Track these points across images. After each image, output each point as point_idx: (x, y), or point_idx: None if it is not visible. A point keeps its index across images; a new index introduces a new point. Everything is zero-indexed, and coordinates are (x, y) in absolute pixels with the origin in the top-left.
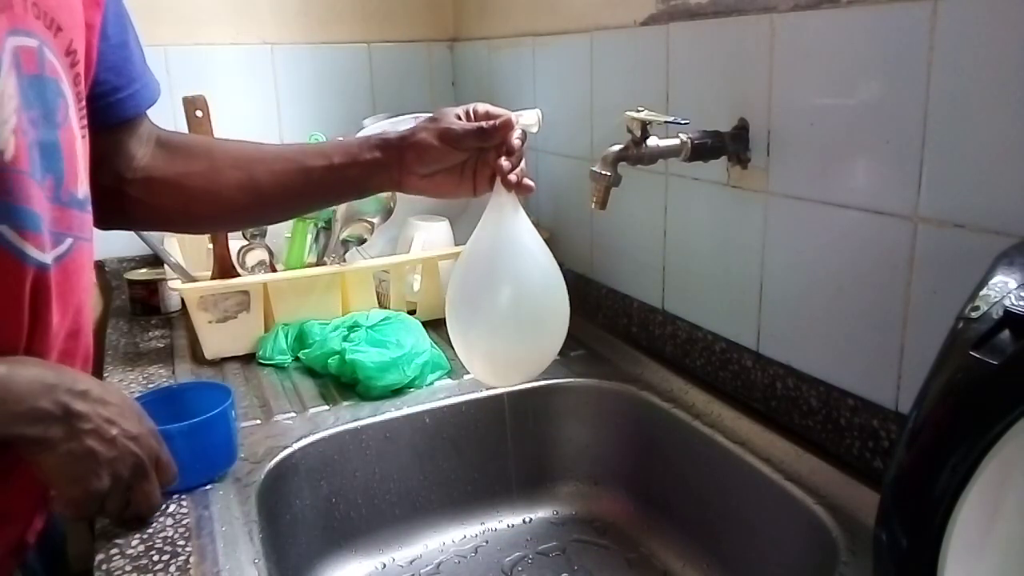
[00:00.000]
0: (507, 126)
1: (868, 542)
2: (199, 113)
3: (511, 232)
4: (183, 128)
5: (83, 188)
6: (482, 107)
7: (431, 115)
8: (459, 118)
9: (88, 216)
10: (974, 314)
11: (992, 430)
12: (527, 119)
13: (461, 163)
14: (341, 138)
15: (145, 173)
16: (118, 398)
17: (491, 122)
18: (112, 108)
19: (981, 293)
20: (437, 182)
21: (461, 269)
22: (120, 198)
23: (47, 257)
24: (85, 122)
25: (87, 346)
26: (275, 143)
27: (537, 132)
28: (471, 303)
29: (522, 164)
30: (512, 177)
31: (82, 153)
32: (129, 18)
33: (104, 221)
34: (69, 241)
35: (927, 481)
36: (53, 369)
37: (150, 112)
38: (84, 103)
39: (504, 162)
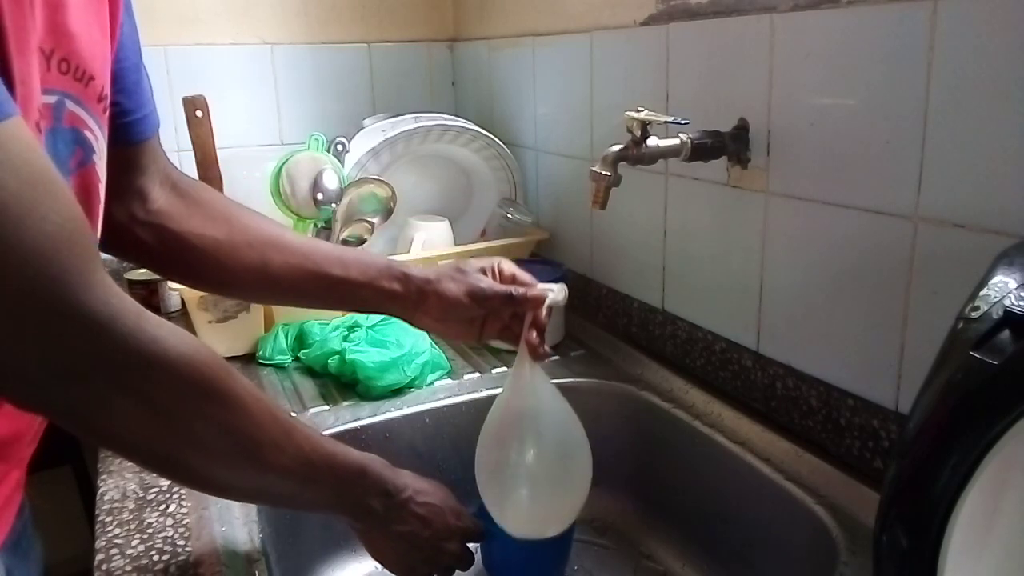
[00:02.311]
0: (538, 301)
1: (868, 542)
2: (199, 113)
3: (536, 395)
4: (183, 129)
5: (99, 229)
6: (507, 267)
7: (455, 265)
8: (484, 272)
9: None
10: (974, 314)
11: (992, 430)
12: (557, 295)
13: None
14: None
15: (159, 219)
16: (439, 498)
17: (522, 292)
18: (120, 131)
19: (981, 293)
20: (447, 326)
21: (489, 433)
22: (130, 236)
23: None
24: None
25: None
26: (299, 235)
27: (563, 307)
28: (501, 465)
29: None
30: (539, 349)
31: (102, 196)
32: (139, 44)
33: (106, 248)
34: None
35: (927, 481)
36: (389, 470)
37: None
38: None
39: (534, 336)
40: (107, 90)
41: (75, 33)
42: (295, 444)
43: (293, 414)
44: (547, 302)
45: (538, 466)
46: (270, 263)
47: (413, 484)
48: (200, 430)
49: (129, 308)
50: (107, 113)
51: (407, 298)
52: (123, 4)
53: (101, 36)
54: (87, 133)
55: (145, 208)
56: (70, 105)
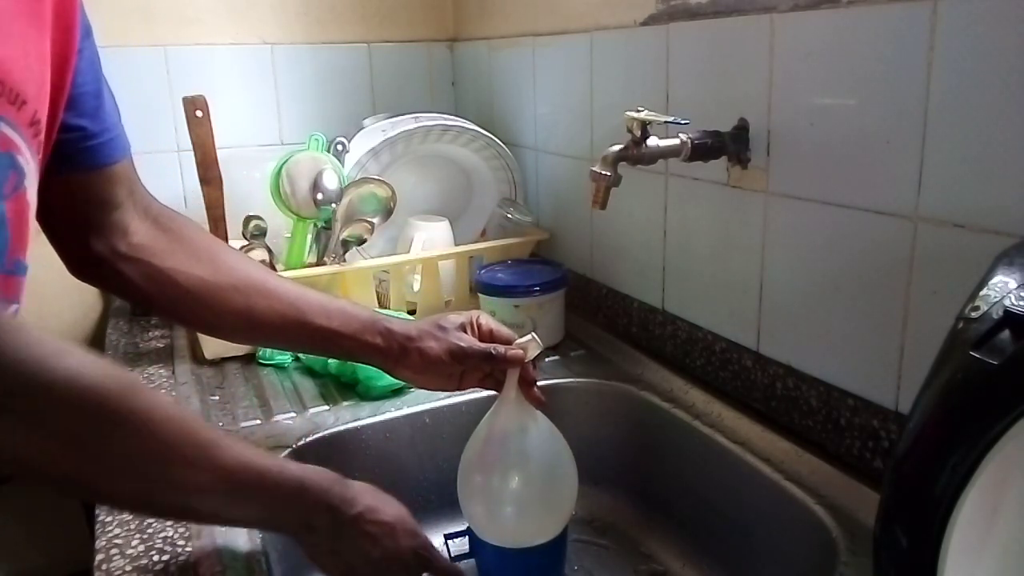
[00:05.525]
0: (518, 359)
1: (868, 542)
2: (199, 113)
3: (524, 420)
4: (183, 129)
5: (28, 253)
6: (484, 322)
7: (435, 321)
8: (463, 329)
9: (25, 279)
10: (974, 314)
11: (992, 430)
12: (535, 350)
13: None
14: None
15: (141, 254)
16: (392, 515)
17: (501, 351)
18: (88, 153)
19: (981, 293)
20: (426, 378)
21: (474, 455)
22: (112, 270)
23: None
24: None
25: None
26: (283, 281)
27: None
28: (486, 486)
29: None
30: (542, 399)
31: (32, 220)
32: (102, 70)
33: (89, 280)
34: (15, 307)
35: (927, 481)
36: (337, 485)
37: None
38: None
39: (536, 392)
40: (40, 115)
41: (6, 56)
42: (214, 461)
43: (222, 428)
44: (528, 358)
45: (524, 488)
46: (254, 308)
47: (365, 500)
48: (97, 452)
49: (10, 327)
50: (39, 138)
51: (389, 352)
52: (81, 31)
53: (39, 62)
54: (20, 158)
55: (127, 242)
56: (4, 128)
